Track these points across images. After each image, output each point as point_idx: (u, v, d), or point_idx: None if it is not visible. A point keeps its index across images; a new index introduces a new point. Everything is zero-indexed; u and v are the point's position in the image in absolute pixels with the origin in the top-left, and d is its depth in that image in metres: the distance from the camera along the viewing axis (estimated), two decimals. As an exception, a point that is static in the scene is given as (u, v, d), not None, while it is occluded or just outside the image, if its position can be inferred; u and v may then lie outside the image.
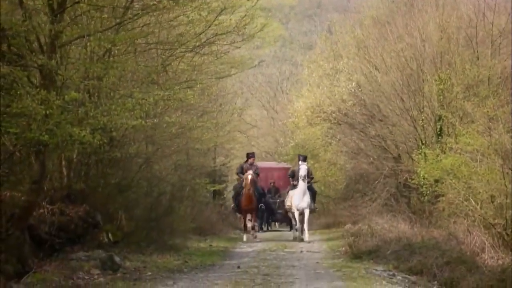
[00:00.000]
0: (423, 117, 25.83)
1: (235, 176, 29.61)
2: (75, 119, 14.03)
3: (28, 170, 15.21)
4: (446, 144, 23.49)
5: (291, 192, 26.58)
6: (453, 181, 20.33)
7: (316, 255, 21.06)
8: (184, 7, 17.70)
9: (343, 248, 21.85)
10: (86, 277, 15.01)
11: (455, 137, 22.94)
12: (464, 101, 24.02)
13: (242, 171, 26.81)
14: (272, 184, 35.62)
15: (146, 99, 15.60)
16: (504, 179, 18.10)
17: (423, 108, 25.99)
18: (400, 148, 27.80)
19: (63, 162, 17.86)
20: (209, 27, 19.08)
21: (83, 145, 15.31)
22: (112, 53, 17.36)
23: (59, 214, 16.47)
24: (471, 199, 19.13)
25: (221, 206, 36.57)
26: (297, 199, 25.65)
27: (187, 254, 20.97)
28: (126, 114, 15.17)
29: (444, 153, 23.08)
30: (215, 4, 19.11)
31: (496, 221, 18.28)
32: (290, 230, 29.96)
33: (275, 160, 44.08)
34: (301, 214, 25.71)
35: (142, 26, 17.65)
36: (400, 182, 27.54)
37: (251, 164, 26.55)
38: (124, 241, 19.41)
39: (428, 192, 23.85)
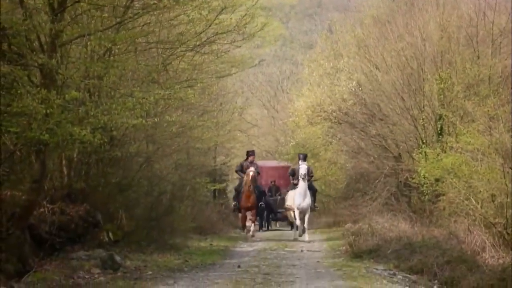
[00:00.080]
0: (423, 116, 25.83)
1: (235, 175, 29.54)
2: (75, 118, 14.04)
3: (29, 169, 15.22)
4: (446, 143, 23.49)
5: (291, 192, 26.50)
6: (454, 180, 20.33)
7: (317, 254, 21.06)
8: (185, 6, 17.71)
9: (344, 247, 21.84)
10: (87, 276, 15.01)
11: (455, 136, 22.95)
12: (464, 100, 24.03)
13: (242, 169, 26.69)
14: (272, 183, 35.61)
15: (146, 98, 15.60)
16: (504, 178, 18.11)
17: (423, 107, 25.99)
18: (401, 147, 27.80)
19: (64, 161, 17.86)
20: (210, 26, 19.10)
21: (83, 144, 15.31)
22: (113, 52, 17.36)
23: (60, 213, 16.47)
24: (471, 198, 19.13)
25: (221, 205, 36.54)
26: (299, 198, 25.57)
27: (188, 253, 20.97)
28: (127, 113, 15.17)
29: (445, 152, 23.08)
30: (215, 3, 19.13)
31: (496, 220, 18.30)
32: (291, 230, 29.96)
33: (275, 159, 44.04)
34: (302, 213, 25.65)
35: (143, 25, 17.65)
36: (400, 181, 27.55)
37: (251, 162, 26.35)
38: (125, 240, 19.41)
39: (428, 191, 23.86)
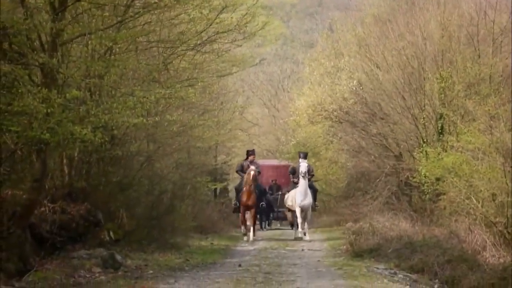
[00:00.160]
0: (424, 115, 25.84)
1: (236, 174, 29.50)
2: (76, 118, 14.04)
3: (30, 169, 15.23)
4: (447, 142, 23.50)
5: (292, 191, 26.37)
6: (455, 179, 20.35)
7: (318, 254, 21.05)
8: (185, 5, 17.71)
9: (344, 247, 21.84)
10: (88, 275, 15.02)
11: (456, 135, 22.96)
12: (465, 99, 24.04)
13: (242, 169, 26.53)
14: (273, 182, 35.58)
15: (147, 97, 15.61)
16: (505, 177, 18.13)
17: (424, 106, 25.99)
18: (402, 146, 27.81)
19: (65, 161, 17.86)
20: (210, 25, 19.10)
21: (84, 143, 15.32)
22: (113, 51, 17.37)
23: (61, 212, 16.46)
24: (472, 197, 19.15)
25: (222, 204, 36.52)
26: (300, 196, 25.45)
27: (188, 252, 20.97)
28: (127, 112, 15.18)
29: (446, 151, 23.09)
30: (216, 2, 19.13)
31: (497, 219, 18.32)
32: (291, 229, 29.94)
33: (276, 158, 44.04)
34: (303, 211, 25.57)
35: (143, 24, 17.65)
36: (401, 181, 27.56)
37: (252, 162, 26.19)
38: (126, 239, 19.42)
39: (429, 191, 23.88)
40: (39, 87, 13.39)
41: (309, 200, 25.43)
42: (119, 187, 20.02)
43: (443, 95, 25.21)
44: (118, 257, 16.51)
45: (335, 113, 30.08)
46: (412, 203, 26.99)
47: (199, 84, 20.97)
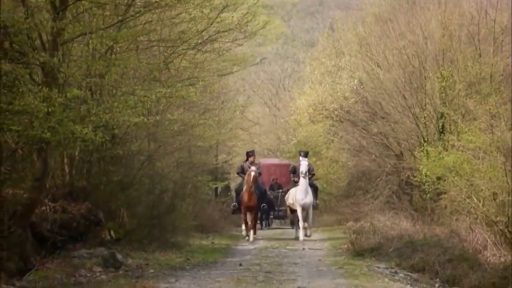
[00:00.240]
0: (425, 115, 25.83)
1: (236, 174, 29.44)
2: (77, 117, 14.05)
3: (30, 168, 15.24)
4: (448, 141, 23.50)
5: (292, 190, 26.32)
6: (455, 178, 20.35)
7: (318, 253, 21.06)
8: (186, 5, 17.72)
9: (345, 246, 21.84)
10: (88, 275, 15.03)
11: (457, 134, 22.95)
12: (466, 99, 24.04)
13: (242, 170, 26.41)
14: (274, 181, 35.56)
15: (148, 97, 15.61)
16: (506, 177, 18.13)
17: (425, 105, 25.98)
18: (402, 145, 27.80)
19: (65, 160, 17.87)
20: (211, 24, 19.10)
21: (85, 143, 15.32)
22: (114, 50, 17.37)
23: (61, 211, 16.47)
24: (473, 196, 19.15)
25: (223, 203, 36.51)
26: (300, 195, 25.39)
27: (189, 251, 20.97)
28: (128, 112, 15.18)
29: (446, 150, 23.09)
30: (217, 1, 19.14)
31: (498, 218, 18.32)
32: (292, 228, 29.92)
33: (277, 157, 44.03)
34: (304, 210, 25.52)
35: (144, 24, 17.65)
36: (402, 180, 27.55)
37: (252, 163, 26.12)
38: (126, 238, 19.43)
39: (430, 190, 23.87)
40: (40, 86, 13.40)
41: (309, 198, 25.33)
42: (120, 186, 20.02)
43: (444, 94, 25.20)
44: (119, 256, 16.51)
45: (336, 112, 30.06)
46: (413, 202, 26.98)
47: (200, 83, 20.97)
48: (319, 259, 19.07)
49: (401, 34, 27.73)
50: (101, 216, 18.08)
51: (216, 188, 39.03)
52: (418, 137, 26.32)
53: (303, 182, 25.24)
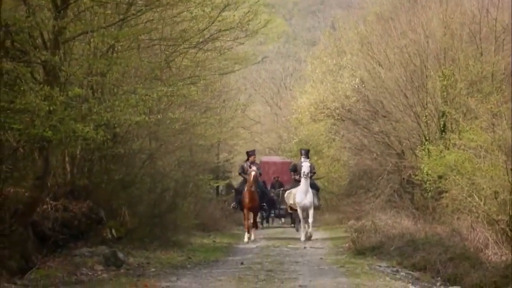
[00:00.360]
0: (426, 113, 25.80)
1: (236, 173, 29.40)
2: (78, 115, 14.06)
3: (32, 166, 15.24)
4: (449, 140, 23.46)
5: (293, 190, 26.21)
6: (457, 177, 20.32)
7: (320, 251, 21.07)
8: (188, 3, 17.73)
9: (347, 244, 21.85)
10: (90, 273, 15.04)
11: (458, 133, 22.90)
12: (467, 97, 24.01)
13: (243, 171, 26.29)
14: (276, 179, 35.53)
15: (149, 95, 15.61)
16: (507, 175, 18.10)
17: (426, 104, 25.95)
18: (404, 144, 27.76)
19: (67, 158, 17.89)
20: (213, 23, 19.10)
21: (86, 141, 15.34)
22: (116, 49, 17.37)
23: (63, 210, 16.48)
24: (474, 195, 19.13)
25: (224, 202, 36.52)
26: (300, 196, 25.33)
27: (191, 250, 20.99)
28: (130, 110, 15.19)
29: (448, 149, 23.06)
30: (218, 0, 19.12)
31: (499, 217, 18.29)
32: (293, 226, 29.91)
33: (278, 156, 44.01)
34: (304, 211, 25.47)
35: (146, 22, 17.65)
36: (403, 178, 27.53)
37: (252, 163, 26.05)
38: (128, 237, 19.45)
39: (431, 188, 23.82)
40: (41, 85, 13.41)
41: (309, 199, 25.20)
42: (121, 185, 20.04)
43: (445, 93, 25.17)
44: (120, 255, 16.53)
45: (337, 111, 30.03)
46: (414, 201, 26.96)
47: (201, 82, 20.97)
48: (321, 258, 19.07)
49: (402, 33, 27.70)
50: (102, 215, 18.10)
51: (218, 187, 39.04)
52: (419, 135, 26.29)
53: (304, 182, 25.14)
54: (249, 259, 18.74)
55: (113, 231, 19.00)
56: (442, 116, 25.45)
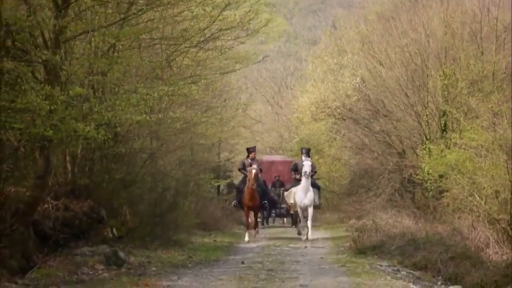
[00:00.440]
0: (427, 113, 25.80)
1: (238, 172, 29.38)
2: (79, 115, 14.06)
3: (33, 166, 15.24)
4: (450, 139, 23.47)
5: (293, 189, 26.18)
6: (458, 176, 20.32)
7: (321, 251, 21.07)
8: (189, 2, 17.73)
9: (348, 244, 21.85)
10: (91, 272, 15.05)
11: (459, 132, 22.90)
12: (468, 97, 24.01)
13: (243, 167, 26.22)
14: (277, 178, 35.48)
15: (150, 95, 15.62)
16: (508, 174, 18.08)
17: (427, 103, 25.95)
18: (405, 143, 27.77)
19: (68, 158, 17.89)
20: (214, 22, 19.10)
21: (87, 141, 15.34)
22: (117, 48, 17.37)
23: (64, 209, 16.47)
24: (475, 194, 19.12)
25: (225, 201, 36.50)
26: (300, 196, 25.28)
27: (192, 249, 20.99)
28: (131, 110, 15.19)
29: (449, 148, 23.07)
30: (219, -1, 19.13)
31: (500, 216, 18.28)
32: (293, 227, 29.92)
33: (279, 155, 44.02)
34: (305, 210, 25.44)
35: (147, 21, 17.65)
36: (404, 178, 27.53)
37: (253, 159, 26.00)
38: (129, 236, 19.46)
39: (432, 188, 23.82)
40: (42, 84, 13.41)
41: (309, 199, 25.15)
42: (122, 184, 20.04)
43: (446, 92, 25.18)
44: (121, 254, 16.54)
45: (338, 110, 30.06)
46: (415, 200, 26.96)
47: (202, 81, 20.97)
48: (321, 257, 19.08)
49: (403, 32, 27.70)
50: (103, 214, 18.10)
51: (218, 186, 39.03)
52: (420, 135, 26.29)
53: (305, 182, 25.10)
54: (250, 258, 18.75)
55: (114, 230, 19.01)
56: (443, 115, 25.45)
